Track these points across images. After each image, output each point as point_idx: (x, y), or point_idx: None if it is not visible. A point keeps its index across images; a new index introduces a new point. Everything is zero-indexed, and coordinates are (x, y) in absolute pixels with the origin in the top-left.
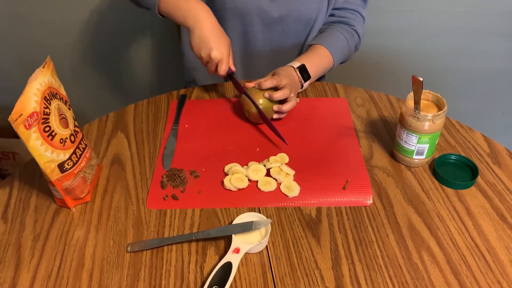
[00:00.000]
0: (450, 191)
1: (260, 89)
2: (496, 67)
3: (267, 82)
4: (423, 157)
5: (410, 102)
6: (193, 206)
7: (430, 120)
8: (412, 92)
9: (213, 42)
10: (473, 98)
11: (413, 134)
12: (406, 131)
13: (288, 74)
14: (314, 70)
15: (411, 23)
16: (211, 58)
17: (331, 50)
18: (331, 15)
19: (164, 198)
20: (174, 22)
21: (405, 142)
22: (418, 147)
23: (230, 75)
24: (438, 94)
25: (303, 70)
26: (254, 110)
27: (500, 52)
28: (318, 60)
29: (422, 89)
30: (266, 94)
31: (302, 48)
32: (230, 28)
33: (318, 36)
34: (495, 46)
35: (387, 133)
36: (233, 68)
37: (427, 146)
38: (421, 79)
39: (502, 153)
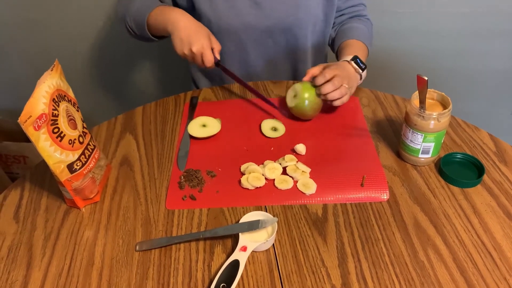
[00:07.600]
0: (456, 189)
1: (314, 86)
2: (503, 68)
3: (319, 79)
4: (428, 155)
5: (415, 101)
6: (211, 205)
7: (435, 119)
8: (417, 92)
9: (191, 38)
10: (479, 98)
11: (419, 133)
12: (411, 130)
13: (341, 67)
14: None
15: (416, 24)
16: (194, 53)
17: (363, 40)
18: (342, 14)
19: (182, 198)
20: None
21: (411, 141)
22: (424, 146)
23: (217, 64)
24: (443, 93)
25: (357, 60)
26: (297, 105)
27: (506, 52)
28: (360, 51)
29: (427, 88)
30: (317, 91)
31: (305, 58)
32: (225, 49)
33: (342, 33)
34: (501, 47)
35: (392, 133)
36: (217, 56)
37: (432, 144)
38: (426, 78)
39: (509, 151)
